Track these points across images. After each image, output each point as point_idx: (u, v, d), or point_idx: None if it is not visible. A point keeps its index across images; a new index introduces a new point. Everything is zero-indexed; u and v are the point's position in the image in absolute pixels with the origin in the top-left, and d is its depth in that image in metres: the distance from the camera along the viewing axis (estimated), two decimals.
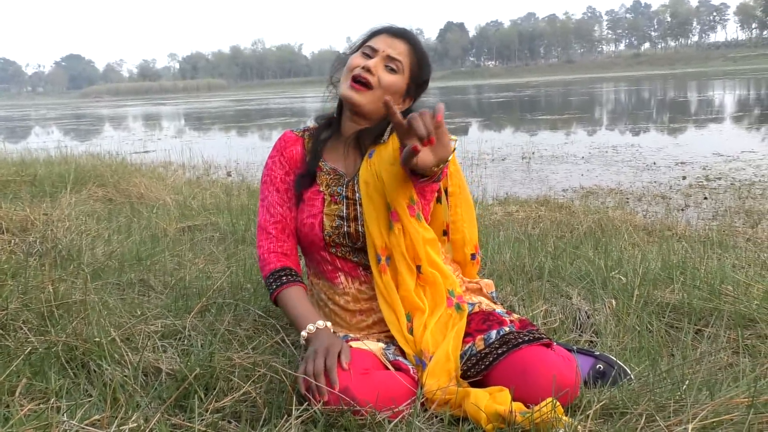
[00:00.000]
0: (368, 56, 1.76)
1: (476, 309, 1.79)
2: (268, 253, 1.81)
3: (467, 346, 1.66)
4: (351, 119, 1.84)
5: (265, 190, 1.88)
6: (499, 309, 1.80)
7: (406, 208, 1.74)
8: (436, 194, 1.87)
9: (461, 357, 1.65)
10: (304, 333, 1.63)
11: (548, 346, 1.62)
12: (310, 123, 1.99)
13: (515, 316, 1.77)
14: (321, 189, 1.82)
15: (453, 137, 1.61)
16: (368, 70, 1.74)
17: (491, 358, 1.61)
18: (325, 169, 1.85)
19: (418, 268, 1.77)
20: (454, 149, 1.66)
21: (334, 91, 1.89)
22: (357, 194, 1.79)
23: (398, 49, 1.77)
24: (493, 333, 1.65)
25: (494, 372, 1.60)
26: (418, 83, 1.83)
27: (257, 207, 4.77)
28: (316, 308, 1.83)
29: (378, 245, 1.74)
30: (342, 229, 1.77)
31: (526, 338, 1.62)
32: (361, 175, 1.79)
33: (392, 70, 1.76)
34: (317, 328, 1.62)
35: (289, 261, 1.80)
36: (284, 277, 1.76)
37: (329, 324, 1.65)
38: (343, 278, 1.81)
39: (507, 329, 1.66)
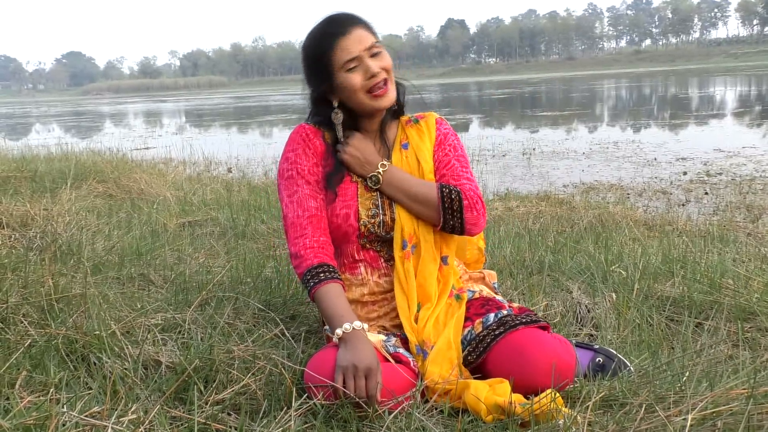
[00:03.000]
0: (355, 66, 1.72)
1: (476, 296, 1.81)
2: (304, 249, 1.73)
3: (467, 331, 1.68)
4: (372, 117, 1.83)
5: (293, 184, 1.79)
6: (499, 297, 1.82)
7: None
8: None
9: (462, 343, 1.66)
10: (339, 331, 1.58)
11: (545, 329, 1.65)
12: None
13: (515, 304, 1.79)
14: (353, 179, 1.82)
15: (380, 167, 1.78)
16: (375, 75, 1.73)
17: (489, 339, 1.63)
18: None
19: (444, 259, 1.80)
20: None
21: (309, 92, 1.85)
22: None
23: (362, 36, 1.73)
24: (491, 316, 1.68)
25: (492, 353, 1.61)
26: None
27: (258, 202, 4.77)
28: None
29: (407, 231, 1.76)
30: (378, 217, 1.77)
31: (524, 320, 1.64)
32: (394, 163, 1.82)
33: (378, 54, 1.75)
34: (354, 328, 1.57)
35: (326, 256, 1.73)
36: (322, 274, 1.69)
37: (366, 326, 1.61)
38: (363, 269, 1.81)
39: (505, 312, 1.68)
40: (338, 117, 1.80)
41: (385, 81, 1.75)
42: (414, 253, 1.77)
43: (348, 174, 1.82)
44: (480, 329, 1.66)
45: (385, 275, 1.79)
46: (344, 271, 1.83)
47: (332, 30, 1.73)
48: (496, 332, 1.63)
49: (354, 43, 1.72)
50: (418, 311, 1.74)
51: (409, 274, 1.76)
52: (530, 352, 1.55)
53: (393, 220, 1.77)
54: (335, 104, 1.80)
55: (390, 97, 1.77)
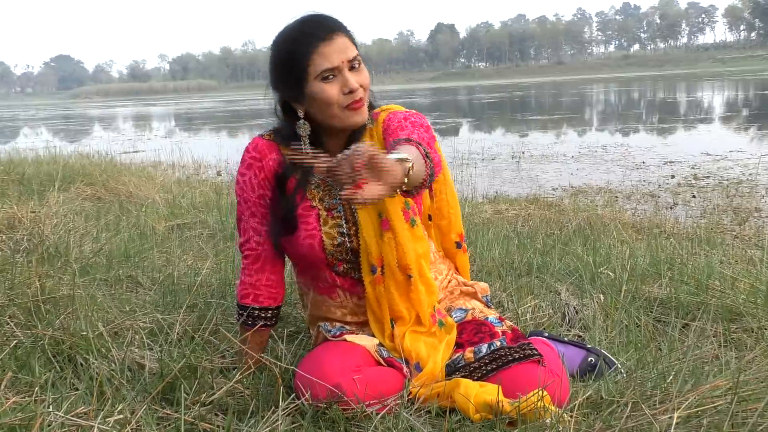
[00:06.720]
0: (333, 77, 1.56)
1: (469, 317, 1.74)
2: (240, 282, 1.82)
3: (456, 356, 1.63)
4: (337, 135, 1.68)
5: (240, 210, 1.78)
6: (491, 316, 1.74)
7: (400, 213, 1.66)
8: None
9: (449, 366, 1.62)
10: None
11: (538, 362, 1.58)
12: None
13: (507, 324, 1.71)
14: (314, 204, 1.69)
15: (402, 157, 1.32)
16: (353, 91, 1.58)
17: (480, 374, 1.58)
18: (314, 182, 1.71)
19: (409, 277, 1.69)
20: (410, 166, 1.32)
21: (275, 98, 1.69)
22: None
23: (345, 45, 1.57)
24: (484, 347, 1.62)
25: None
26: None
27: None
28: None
29: (373, 254, 1.66)
30: (345, 245, 1.68)
31: (517, 356, 1.57)
32: None
33: (358, 68, 1.59)
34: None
35: (255, 297, 1.78)
36: (243, 316, 1.78)
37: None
38: (341, 293, 1.74)
39: (498, 344, 1.62)
40: (305, 128, 1.64)
41: (363, 100, 1.60)
42: (384, 275, 1.68)
43: (308, 200, 1.70)
44: (471, 359, 1.61)
45: (365, 297, 1.72)
46: (322, 293, 1.76)
47: (313, 32, 1.56)
48: (488, 368, 1.58)
49: (336, 51, 1.55)
50: (393, 327, 1.68)
51: (381, 297, 1.68)
52: (523, 390, 1.47)
53: (360, 246, 1.68)
54: (301, 114, 1.64)
55: (364, 115, 1.62)
